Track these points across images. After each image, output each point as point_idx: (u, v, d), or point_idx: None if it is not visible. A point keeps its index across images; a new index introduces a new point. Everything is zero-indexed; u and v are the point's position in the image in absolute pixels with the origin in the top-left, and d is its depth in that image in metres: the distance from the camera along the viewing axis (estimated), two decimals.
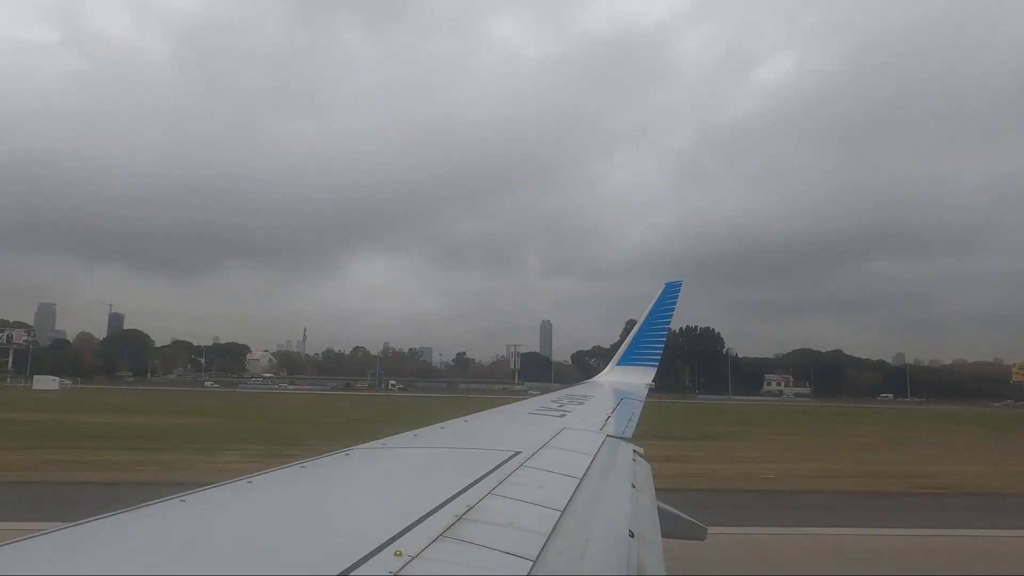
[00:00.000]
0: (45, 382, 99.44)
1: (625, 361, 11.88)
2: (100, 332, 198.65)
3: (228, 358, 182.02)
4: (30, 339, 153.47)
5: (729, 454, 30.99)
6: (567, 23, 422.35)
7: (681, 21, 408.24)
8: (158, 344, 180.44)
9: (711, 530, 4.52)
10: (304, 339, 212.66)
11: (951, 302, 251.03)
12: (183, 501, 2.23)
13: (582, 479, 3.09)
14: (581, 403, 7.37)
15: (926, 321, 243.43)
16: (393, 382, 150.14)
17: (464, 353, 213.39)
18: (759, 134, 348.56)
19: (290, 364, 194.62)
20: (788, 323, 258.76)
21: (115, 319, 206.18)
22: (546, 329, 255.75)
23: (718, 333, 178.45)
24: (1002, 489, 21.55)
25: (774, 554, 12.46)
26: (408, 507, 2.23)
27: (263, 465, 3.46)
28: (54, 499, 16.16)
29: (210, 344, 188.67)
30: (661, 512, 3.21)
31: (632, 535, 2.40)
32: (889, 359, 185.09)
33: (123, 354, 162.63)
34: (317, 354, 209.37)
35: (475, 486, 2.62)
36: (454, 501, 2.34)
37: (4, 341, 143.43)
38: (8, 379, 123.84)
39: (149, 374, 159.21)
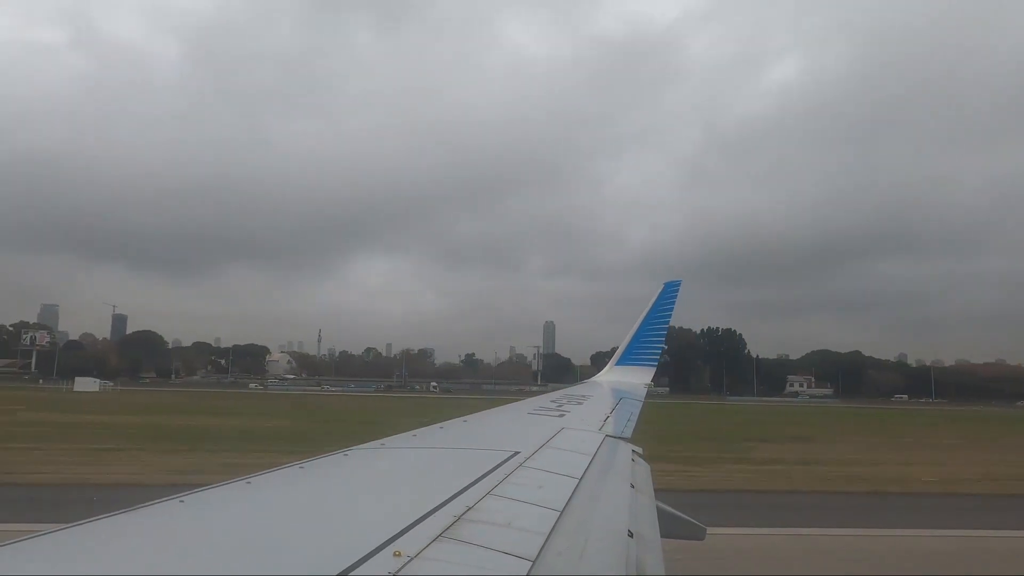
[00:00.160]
0: (86, 384, 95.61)
1: (624, 361, 11.87)
2: (102, 333, 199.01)
3: (248, 359, 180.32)
4: (52, 341, 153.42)
5: (847, 456, 31.04)
6: (576, 24, 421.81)
7: (688, 23, 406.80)
8: (169, 345, 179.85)
9: (710, 530, 4.52)
10: (320, 340, 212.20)
11: (951, 302, 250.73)
12: (182, 502, 2.24)
13: (581, 479, 3.09)
14: (580, 403, 7.37)
15: (926, 321, 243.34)
16: (434, 384, 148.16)
17: (473, 354, 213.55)
18: (763, 135, 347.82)
19: (308, 366, 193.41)
20: (788, 323, 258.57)
21: (118, 320, 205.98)
22: (549, 330, 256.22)
23: (740, 334, 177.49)
24: None
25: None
26: (407, 507, 2.23)
27: None
28: None
29: (230, 346, 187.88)
30: (660, 512, 3.21)
31: (631, 535, 2.40)
32: (891, 359, 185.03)
33: (141, 355, 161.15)
34: (326, 354, 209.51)
35: (474, 486, 2.62)
36: (453, 501, 2.34)
37: (28, 343, 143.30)
38: (39, 380, 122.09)
39: (173, 375, 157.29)
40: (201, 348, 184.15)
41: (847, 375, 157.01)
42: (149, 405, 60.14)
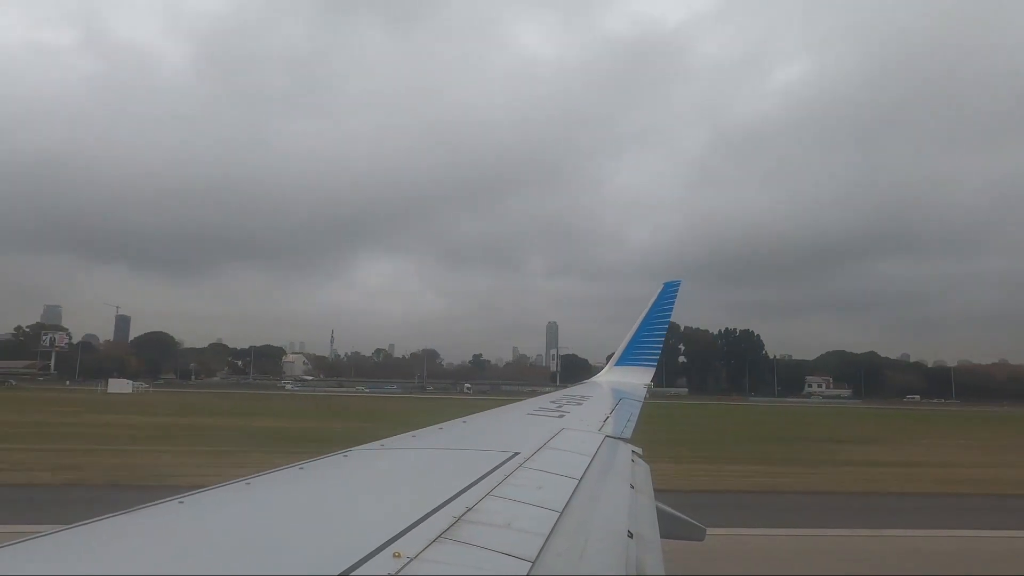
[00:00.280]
0: (120, 385, 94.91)
1: (624, 361, 11.85)
2: (104, 334, 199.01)
3: (264, 360, 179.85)
4: (70, 343, 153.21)
5: (941, 458, 30.94)
6: (584, 25, 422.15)
7: (695, 25, 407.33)
8: (182, 346, 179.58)
9: (709, 531, 4.52)
10: (332, 341, 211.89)
11: (952, 302, 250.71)
12: (181, 503, 2.24)
13: (581, 480, 3.09)
14: (580, 403, 7.35)
15: (926, 321, 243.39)
16: (468, 385, 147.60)
17: (480, 355, 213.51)
18: (768, 136, 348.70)
19: (322, 367, 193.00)
20: (788, 323, 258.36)
21: (122, 320, 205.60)
22: (552, 330, 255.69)
23: (758, 336, 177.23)
24: None
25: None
26: (407, 508, 2.23)
27: None
28: None
29: (240, 347, 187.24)
30: (660, 512, 3.21)
31: (631, 535, 2.40)
32: (892, 359, 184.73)
33: (155, 356, 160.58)
34: (338, 355, 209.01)
35: (474, 487, 2.62)
36: (453, 502, 2.34)
37: (47, 344, 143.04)
38: (66, 382, 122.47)
39: (193, 377, 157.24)
40: (217, 349, 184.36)
41: (864, 376, 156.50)
42: (199, 407, 58.86)
